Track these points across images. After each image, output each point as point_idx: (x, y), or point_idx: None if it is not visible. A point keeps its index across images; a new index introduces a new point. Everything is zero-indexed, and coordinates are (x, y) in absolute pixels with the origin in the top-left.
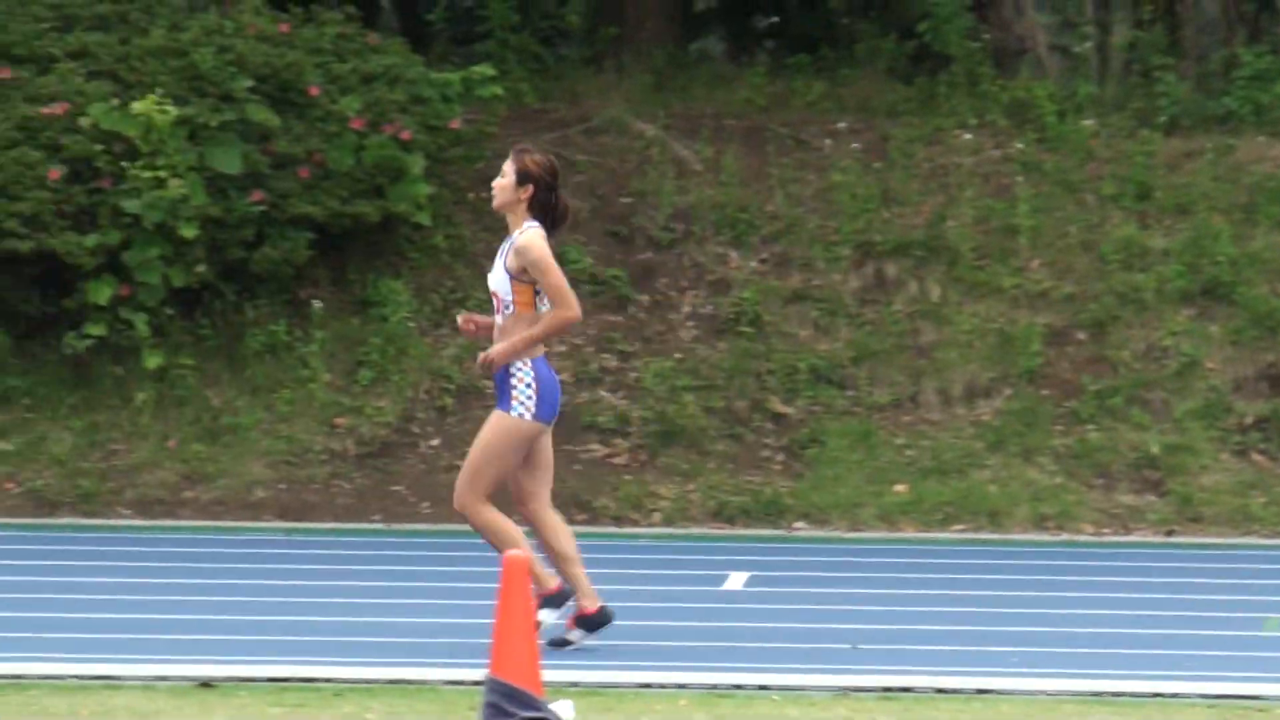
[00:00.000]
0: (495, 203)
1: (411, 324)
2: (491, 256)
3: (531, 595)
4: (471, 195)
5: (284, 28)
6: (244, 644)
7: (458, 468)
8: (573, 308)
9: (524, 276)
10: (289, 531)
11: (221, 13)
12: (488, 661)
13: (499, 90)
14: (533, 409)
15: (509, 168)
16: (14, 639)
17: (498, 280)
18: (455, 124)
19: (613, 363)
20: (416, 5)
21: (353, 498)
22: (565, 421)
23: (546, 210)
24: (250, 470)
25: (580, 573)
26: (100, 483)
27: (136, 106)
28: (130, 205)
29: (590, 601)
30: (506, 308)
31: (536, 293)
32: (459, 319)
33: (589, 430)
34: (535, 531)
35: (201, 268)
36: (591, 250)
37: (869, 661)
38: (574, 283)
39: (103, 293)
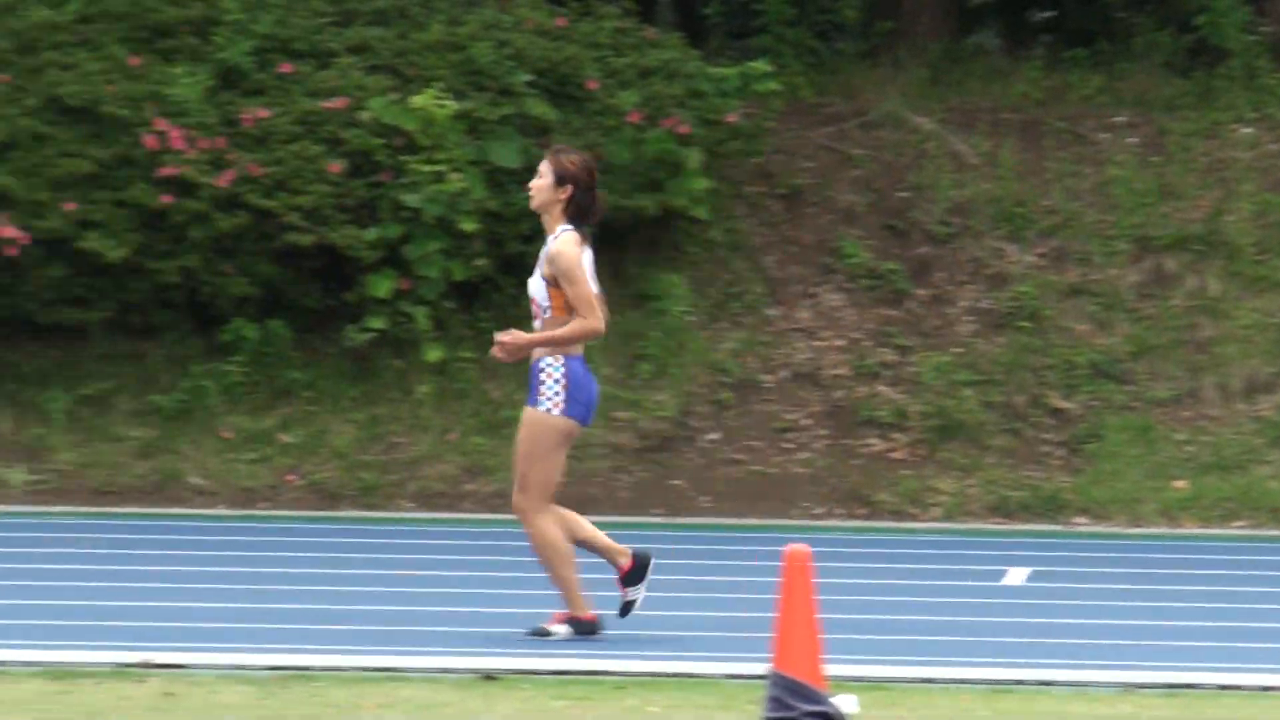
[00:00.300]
0: (533, 204)
1: (690, 318)
2: (767, 250)
3: (811, 589)
4: (749, 189)
5: (562, 22)
6: (526, 637)
7: (737, 462)
8: (595, 318)
9: (558, 282)
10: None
11: (499, 7)
12: (770, 655)
13: (776, 85)
14: (561, 404)
15: (545, 168)
16: (298, 630)
17: (535, 285)
18: (732, 118)
19: (891, 357)
20: (694, 1)
21: (633, 491)
22: (844, 416)
23: (583, 210)
24: None
25: (572, 575)
26: (381, 475)
27: (416, 101)
28: (410, 199)
29: (580, 610)
30: (544, 312)
31: None
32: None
33: (867, 425)
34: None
35: (481, 261)
36: (869, 244)
37: (1151, 657)
38: (851, 277)
39: (383, 286)
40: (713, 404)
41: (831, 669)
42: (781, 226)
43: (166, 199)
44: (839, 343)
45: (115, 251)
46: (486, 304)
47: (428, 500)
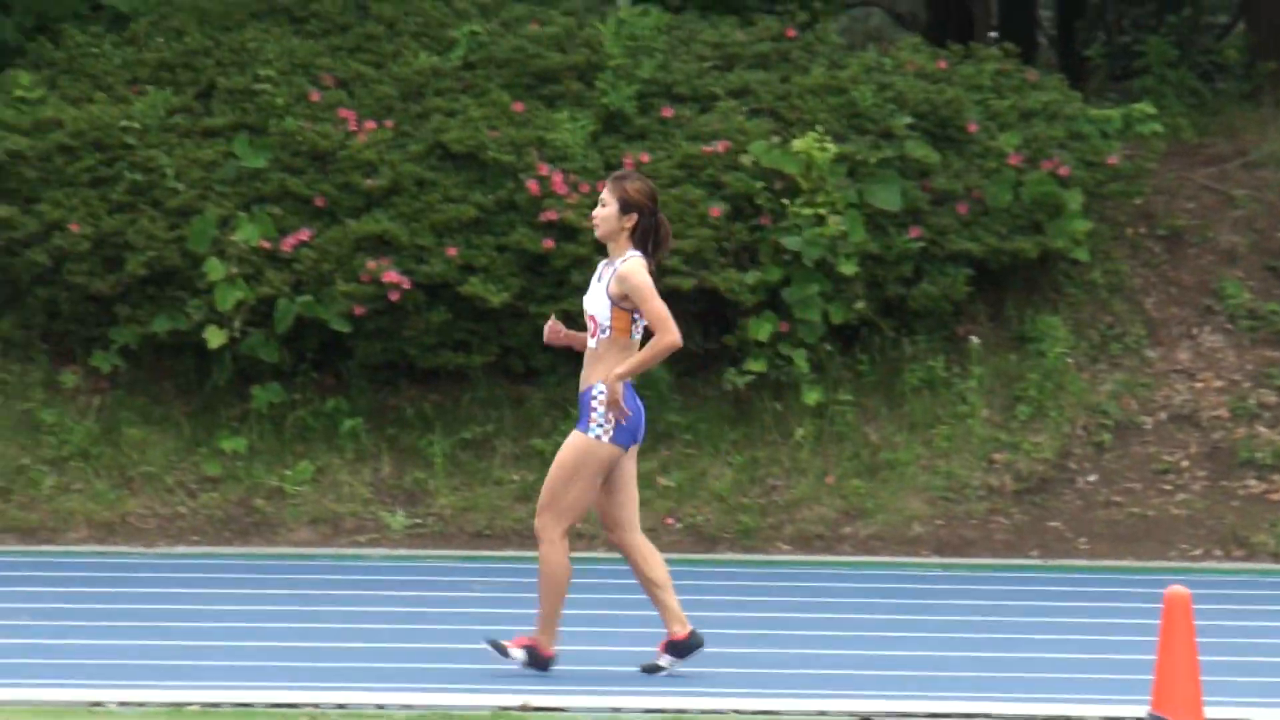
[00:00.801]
0: (598, 233)
1: (1069, 360)
2: (1147, 291)
3: (1191, 631)
4: (1129, 230)
5: (942, 64)
6: (896, 679)
7: (1115, 504)
8: (673, 333)
9: (624, 303)
10: (946, 567)
11: (881, 50)
12: (1150, 698)
13: (1158, 126)
14: (610, 431)
15: (609, 197)
16: (690, 674)
17: (596, 304)
18: (1113, 160)
19: (1271, 398)
20: (1075, 42)
21: (1010, 533)
22: (1223, 457)
23: (648, 237)
24: (909, 506)
25: (671, 599)
26: (760, 518)
27: (797, 144)
28: (790, 242)
29: (680, 627)
30: (603, 331)
31: (634, 320)
32: (547, 325)
33: (1246, 466)
34: (626, 558)
35: (860, 304)
36: (1250, 285)
37: None
38: (1231, 318)
39: (763, 329)
40: (1092, 445)
41: (1210, 712)
42: (1162, 267)
43: (548, 243)
44: (1218, 384)
45: (497, 296)
46: (865, 346)
47: (805, 543)
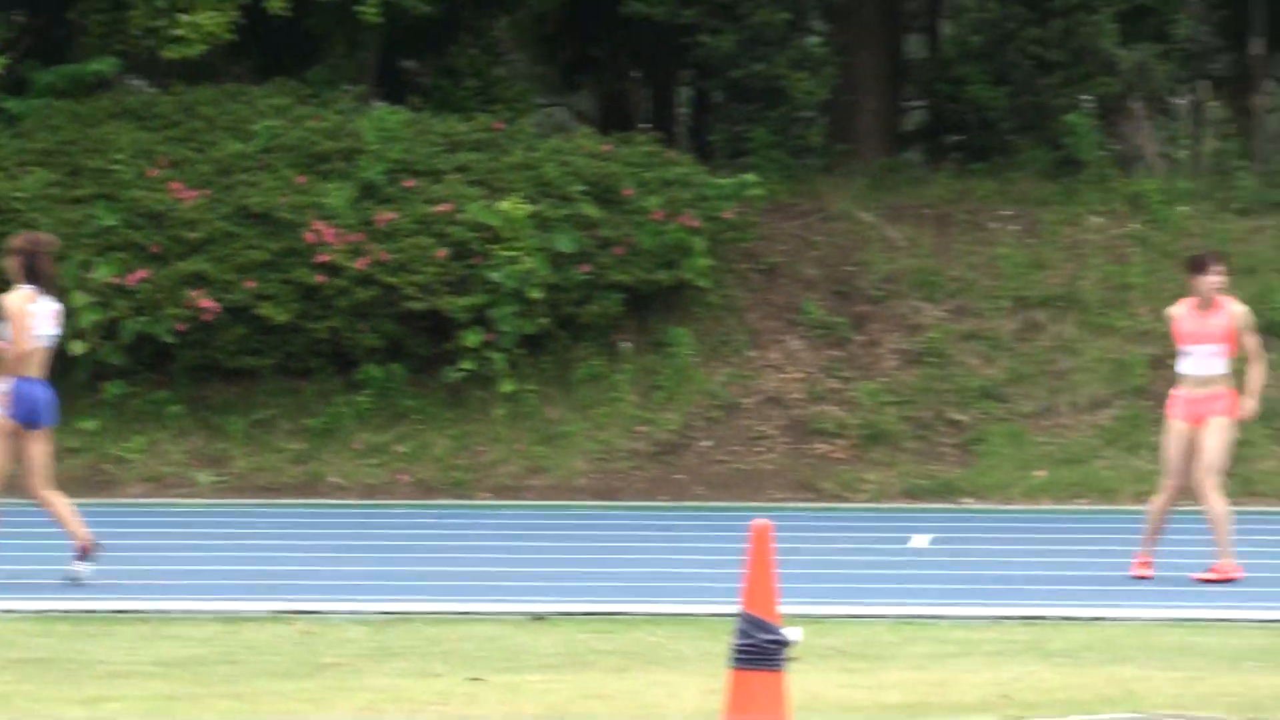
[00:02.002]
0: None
1: (693, 359)
2: (750, 309)
3: (770, 552)
4: (738, 265)
5: (607, 147)
6: (572, 588)
7: (723, 462)
8: (25, 343)
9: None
10: (602, 508)
11: (564, 137)
12: (740, 599)
13: (761, 191)
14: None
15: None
16: (401, 585)
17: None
18: (728, 215)
19: (836, 385)
20: (703, 130)
21: (648, 484)
22: (800, 427)
23: (33, 274)
24: (575, 465)
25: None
26: (468, 474)
27: (501, 205)
28: (495, 275)
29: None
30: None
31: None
32: None
33: (816, 433)
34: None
35: (544, 320)
36: (823, 304)
37: (1013, 597)
38: (809, 328)
39: (473, 338)
40: (707, 420)
41: (783, 608)
42: (761, 292)
43: (320, 278)
44: (798, 375)
45: (281, 316)
46: (547, 350)
47: (500, 492)
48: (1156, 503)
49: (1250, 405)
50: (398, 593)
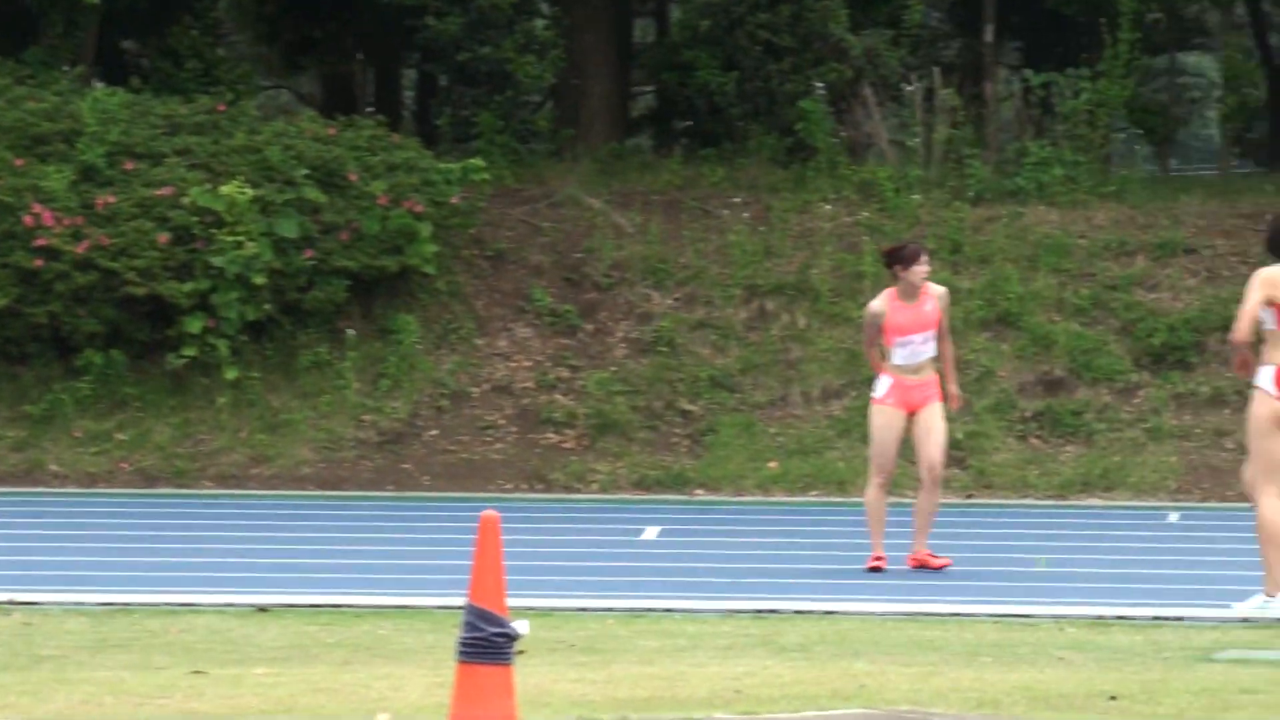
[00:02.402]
0: None
1: (419, 346)
2: (477, 296)
3: (498, 543)
4: (465, 252)
5: (332, 131)
6: (294, 578)
7: (451, 452)
8: None
9: None
10: (327, 498)
11: (287, 120)
12: (467, 591)
13: (487, 176)
14: None
15: None
16: (124, 575)
17: None
18: (454, 200)
19: (565, 374)
20: (429, 114)
21: (374, 473)
22: (529, 417)
23: None
24: (300, 454)
25: None
26: (190, 463)
27: (224, 189)
28: (217, 261)
29: None
30: None
31: None
32: None
33: (546, 423)
34: None
35: (267, 306)
36: (552, 291)
37: (748, 591)
38: (538, 315)
39: (196, 324)
40: (434, 409)
41: (512, 601)
42: (488, 279)
43: (39, 262)
44: (528, 363)
45: None
46: (271, 337)
47: (223, 481)
48: (872, 495)
49: (956, 391)
50: (119, 584)
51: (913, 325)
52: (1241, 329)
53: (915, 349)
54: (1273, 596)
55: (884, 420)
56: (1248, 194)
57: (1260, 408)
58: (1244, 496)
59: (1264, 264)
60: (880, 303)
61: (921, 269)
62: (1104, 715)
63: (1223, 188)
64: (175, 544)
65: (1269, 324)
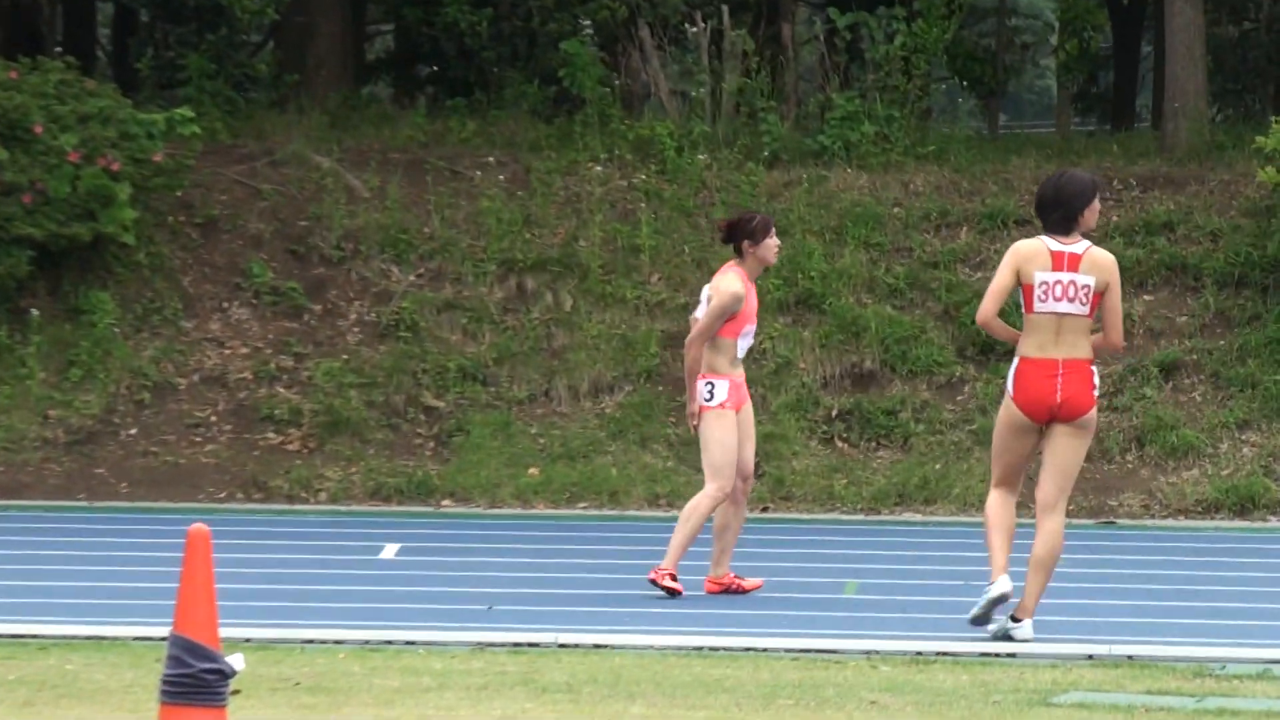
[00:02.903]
0: None
1: (116, 329)
2: (185, 270)
3: (209, 564)
4: (171, 218)
5: (13, 74)
6: None
7: (153, 454)
8: None
9: None
10: (4, 509)
11: None
12: (172, 620)
13: (197, 129)
14: None
15: None
16: None
17: None
18: (158, 157)
19: (289, 363)
20: (127, 55)
21: (62, 479)
22: (246, 413)
23: None
24: None
25: None
26: None
27: None
28: None
29: None
30: None
31: None
32: None
33: (267, 420)
34: None
35: None
36: (273, 265)
37: (503, 620)
38: (256, 294)
39: None
40: (133, 403)
41: (225, 632)
42: (198, 250)
43: None
44: (244, 350)
45: None
46: None
47: None
48: (720, 511)
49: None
50: None
51: (754, 312)
52: (987, 309)
53: (749, 341)
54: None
55: (728, 428)
56: (1090, 155)
57: (1004, 410)
58: (1093, 511)
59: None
60: (739, 284)
61: (775, 244)
62: None
63: (1062, 148)
64: None
65: (1025, 307)
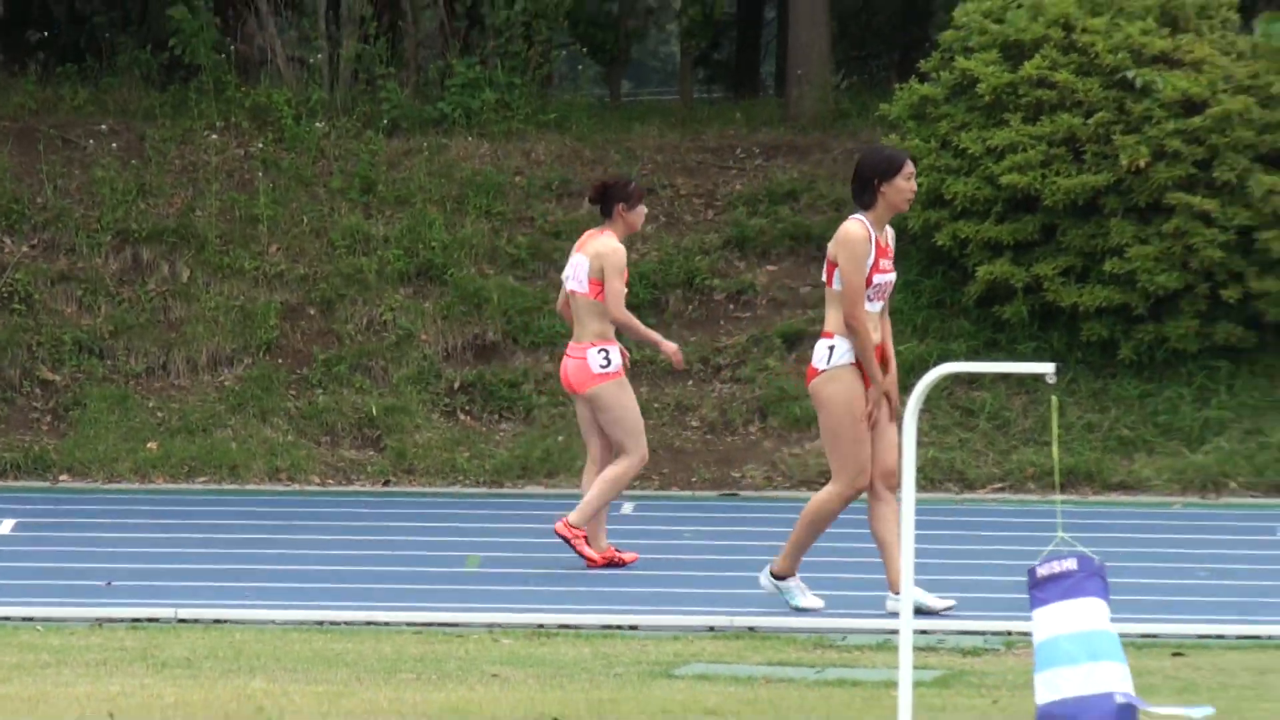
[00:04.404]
0: None
1: None
2: None
3: None
4: None
5: None
6: None
7: None
8: None
9: None
10: None
11: None
12: None
13: None
14: None
15: None
16: None
17: None
18: None
19: None
20: None
21: None
22: None
23: None
24: None
25: None
26: None
27: None
28: None
29: None
30: None
31: None
32: None
33: None
34: None
35: None
36: None
37: (121, 596)
38: None
39: None
40: None
41: None
42: None
43: None
44: None
45: None
46: None
47: None
48: (629, 479)
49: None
50: None
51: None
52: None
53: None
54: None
55: (629, 392)
56: (714, 124)
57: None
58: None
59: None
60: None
61: (644, 209)
62: None
63: (685, 116)
64: None
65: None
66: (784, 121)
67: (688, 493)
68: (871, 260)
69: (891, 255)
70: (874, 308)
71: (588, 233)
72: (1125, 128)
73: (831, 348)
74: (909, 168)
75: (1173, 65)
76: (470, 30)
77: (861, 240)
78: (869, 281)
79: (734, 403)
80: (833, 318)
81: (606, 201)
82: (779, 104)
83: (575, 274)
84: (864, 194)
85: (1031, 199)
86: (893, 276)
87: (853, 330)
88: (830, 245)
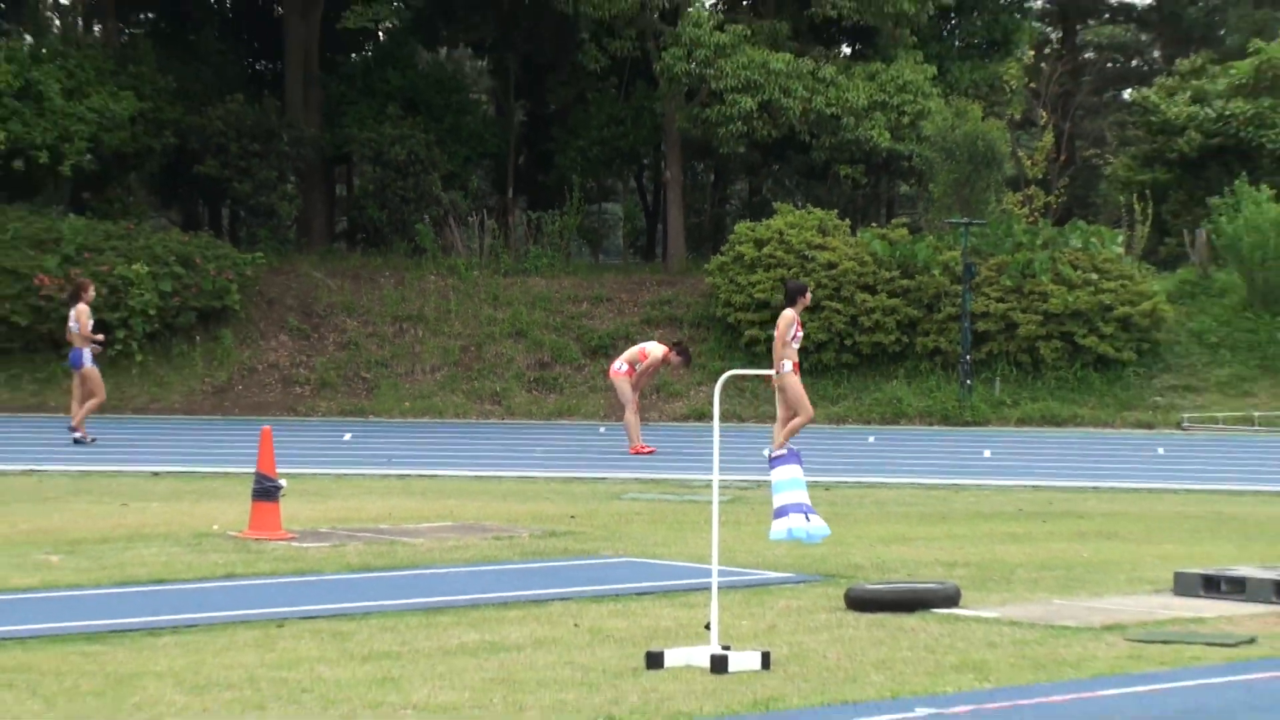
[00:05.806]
0: None
1: None
2: None
3: None
4: None
5: None
6: None
7: None
8: None
9: None
10: None
11: None
12: None
13: None
14: None
15: None
16: None
17: None
18: None
19: None
20: None
21: None
22: None
23: None
24: None
25: None
26: None
27: None
28: None
29: None
30: None
31: None
32: None
33: None
34: None
35: None
36: None
37: None
38: None
39: None
40: None
41: None
42: None
43: None
44: None
45: None
46: None
47: None
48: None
49: None
50: None
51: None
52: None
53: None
54: None
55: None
56: (637, 271)
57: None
58: None
59: None
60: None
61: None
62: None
63: (625, 269)
64: None
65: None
66: (664, 270)
67: None
68: (793, 330)
69: (802, 326)
70: (795, 346)
71: (643, 343)
72: None
73: (784, 362)
74: (808, 292)
75: None
76: (538, 233)
77: (789, 321)
78: (795, 337)
79: None
80: (780, 352)
81: (790, 296)
82: (662, 263)
83: (618, 364)
84: (792, 300)
85: None
86: (802, 333)
87: (785, 358)
88: (779, 319)
